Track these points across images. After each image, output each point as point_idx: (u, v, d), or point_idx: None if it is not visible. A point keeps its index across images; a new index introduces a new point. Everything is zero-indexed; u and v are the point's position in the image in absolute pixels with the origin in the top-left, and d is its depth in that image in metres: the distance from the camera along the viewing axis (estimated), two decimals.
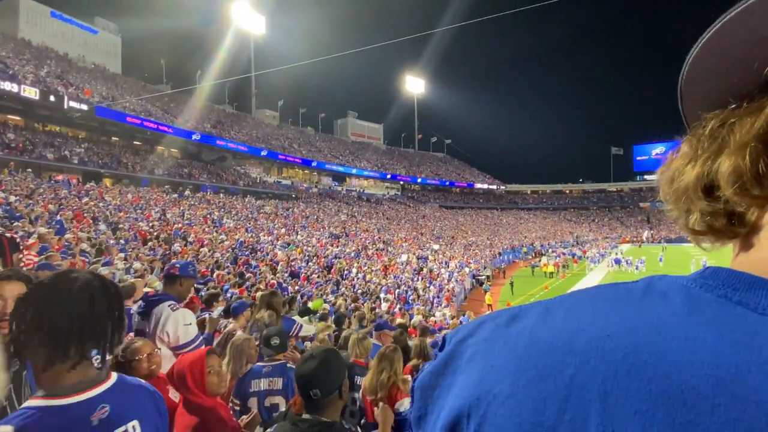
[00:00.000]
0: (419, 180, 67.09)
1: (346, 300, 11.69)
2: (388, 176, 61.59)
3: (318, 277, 16.97)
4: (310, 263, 18.61)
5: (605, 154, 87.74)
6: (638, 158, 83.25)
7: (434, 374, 0.31)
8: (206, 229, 18.85)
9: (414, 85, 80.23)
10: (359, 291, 16.38)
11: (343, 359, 1.77)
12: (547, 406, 0.25)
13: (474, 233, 46.69)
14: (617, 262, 34.38)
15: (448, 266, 26.01)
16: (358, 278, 18.44)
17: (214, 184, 32.68)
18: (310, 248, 21.38)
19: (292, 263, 17.55)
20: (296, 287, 13.63)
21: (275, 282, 13.18)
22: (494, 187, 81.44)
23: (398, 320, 10.18)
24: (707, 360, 0.24)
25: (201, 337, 2.91)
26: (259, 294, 8.53)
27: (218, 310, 3.91)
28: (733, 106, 0.33)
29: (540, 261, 35.05)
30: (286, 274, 15.53)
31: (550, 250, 44.06)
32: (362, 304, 11.67)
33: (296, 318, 4.25)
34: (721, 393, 0.22)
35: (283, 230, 24.02)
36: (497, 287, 25.78)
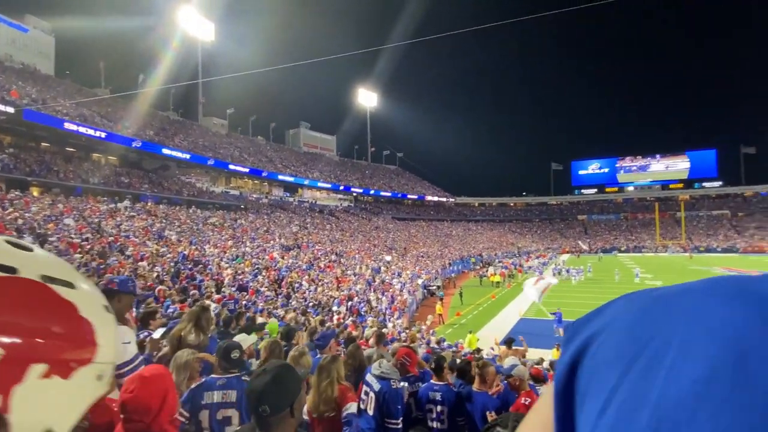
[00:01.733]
0: (372, 192, 67.53)
1: (296, 313, 11.49)
2: (341, 187, 61.49)
3: (267, 290, 16.56)
4: (259, 276, 18.11)
5: (546, 169, 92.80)
6: (576, 173, 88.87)
7: (588, 316, 0.37)
8: (146, 242, 17.86)
9: (367, 98, 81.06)
10: (310, 304, 16.16)
11: (298, 375, 1.69)
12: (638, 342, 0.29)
13: (425, 244, 47.51)
14: (557, 271, 36.35)
15: (400, 277, 26.26)
16: (309, 291, 18.19)
17: (155, 194, 31.03)
18: (259, 261, 20.83)
19: (240, 277, 17.01)
20: (244, 302, 13.22)
21: (223, 296, 12.74)
22: (444, 199, 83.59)
23: (352, 333, 10.16)
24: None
25: (141, 358, 2.79)
26: (187, 309, 8.25)
27: (159, 331, 3.70)
28: None
29: (487, 271, 36.31)
30: (233, 288, 15.02)
31: (496, 261, 45.81)
32: (312, 316, 11.52)
33: (239, 337, 4.14)
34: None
35: (230, 242, 23.23)
36: (447, 297, 26.34)
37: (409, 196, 75.19)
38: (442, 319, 20.52)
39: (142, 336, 3.98)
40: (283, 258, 22.98)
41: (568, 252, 63.21)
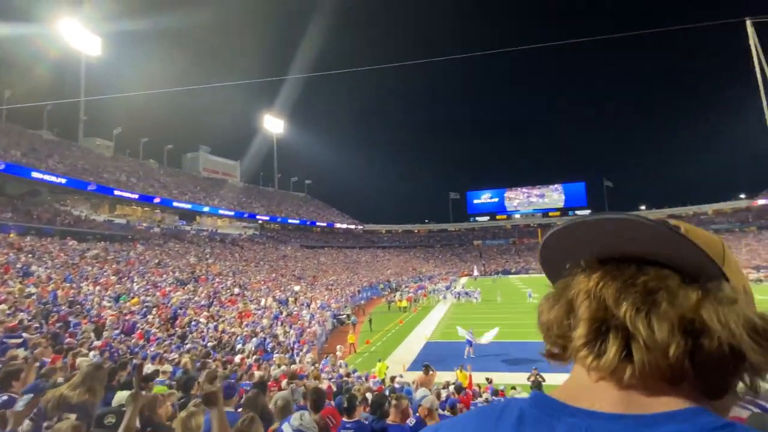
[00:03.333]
0: (279, 219, 65.60)
1: (193, 357, 10.52)
2: (246, 215, 58.78)
3: (159, 331, 14.96)
4: (149, 316, 16.32)
5: (445, 198, 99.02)
6: (471, 202, 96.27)
7: None
8: (8, 281, 15.15)
9: (273, 124, 79.69)
10: (209, 343, 14.94)
11: None
12: None
13: (335, 272, 47.17)
14: (458, 295, 38.54)
15: (309, 308, 25.58)
16: (208, 329, 16.83)
17: (19, 224, 26.62)
18: (149, 298, 18.82)
19: (127, 317, 15.18)
20: (130, 347, 11.79)
21: (104, 342, 11.23)
22: (353, 226, 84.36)
23: (256, 373, 9.59)
24: None
25: None
26: (79, 361, 7.18)
27: (24, 399, 3.06)
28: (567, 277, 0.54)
29: (395, 296, 37.10)
30: (117, 332, 13.34)
31: (403, 286, 47.08)
32: (212, 359, 10.67)
33: (120, 395, 3.68)
34: None
35: (114, 278, 20.70)
36: (358, 325, 26.26)
37: (318, 224, 74.51)
38: (354, 348, 20.37)
39: (1, 401, 3.32)
40: (177, 293, 21.07)
41: (466, 275, 67.37)
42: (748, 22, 11.25)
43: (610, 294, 0.46)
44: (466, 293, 38.27)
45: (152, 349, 11.99)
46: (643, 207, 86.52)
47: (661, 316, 0.43)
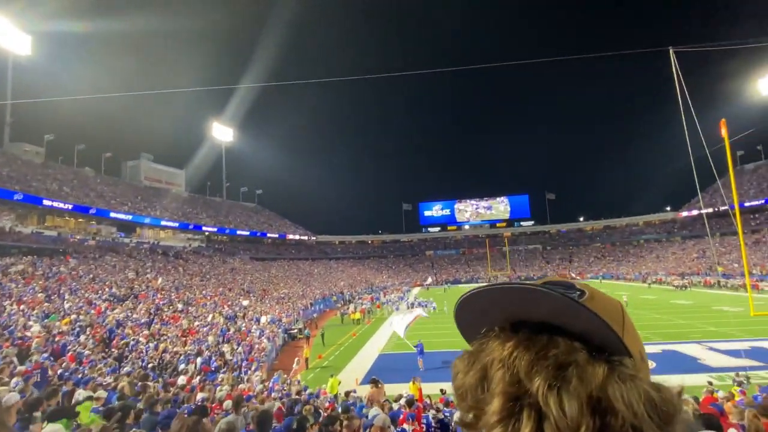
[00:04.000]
0: (227, 230, 63.34)
1: (132, 380, 9.83)
2: (191, 226, 56.25)
3: (92, 353, 13.87)
4: (81, 336, 15.11)
5: (398, 209, 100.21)
6: (423, 213, 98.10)
7: None
8: None
9: (222, 133, 77.28)
10: (149, 365, 14.04)
11: None
12: None
13: (287, 284, 46.12)
14: (411, 305, 38.87)
15: (259, 323, 24.75)
16: (148, 349, 15.82)
17: None
18: (82, 317, 17.43)
19: (57, 339, 13.96)
20: (57, 372, 10.83)
21: (29, 368, 10.23)
22: (306, 237, 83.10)
23: (199, 395, 9.12)
24: None
25: None
26: None
27: None
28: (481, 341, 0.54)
29: (349, 309, 36.82)
30: (45, 355, 12.21)
31: (356, 297, 46.85)
32: (153, 382, 10.03)
33: (47, 429, 3.38)
34: None
35: (41, 295, 19.02)
36: (311, 338, 25.74)
37: (269, 235, 72.69)
38: (307, 363, 19.92)
39: None
40: (113, 311, 19.69)
41: (419, 285, 68.26)
42: (671, 51, 12.54)
43: (522, 366, 0.46)
44: (420, 304, 38.69)
45: (85, 373, 11.09)
46: (581, 218, 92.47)
47: (572, 394, 0.43)
